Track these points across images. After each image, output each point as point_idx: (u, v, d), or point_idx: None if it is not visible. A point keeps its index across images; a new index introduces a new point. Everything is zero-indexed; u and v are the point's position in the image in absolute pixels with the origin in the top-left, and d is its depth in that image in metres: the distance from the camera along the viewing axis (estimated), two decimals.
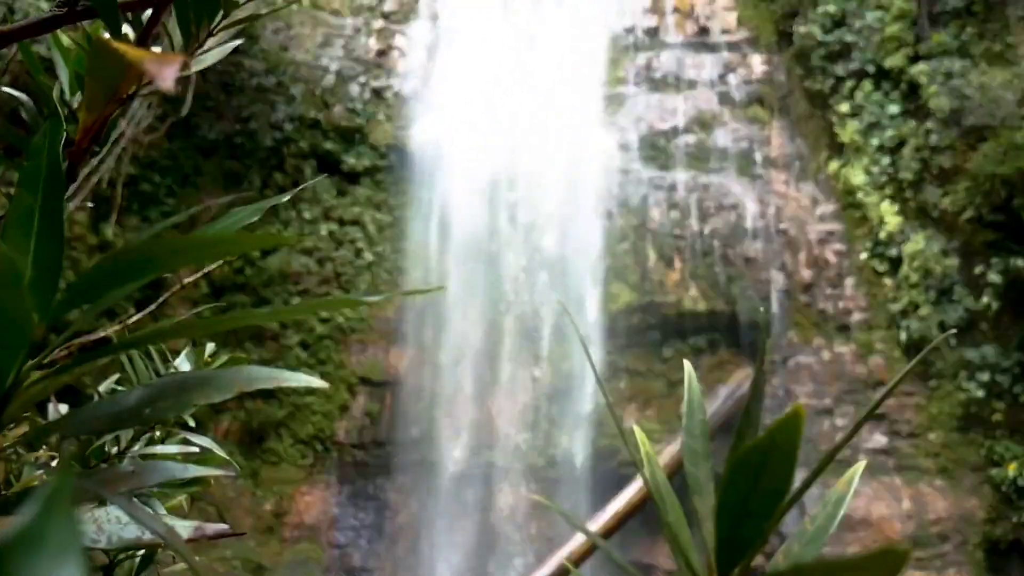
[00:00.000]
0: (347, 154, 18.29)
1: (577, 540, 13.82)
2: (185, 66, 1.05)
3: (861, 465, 0.92)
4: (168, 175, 16.92)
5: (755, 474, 0.70)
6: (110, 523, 0.63)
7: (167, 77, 0.52)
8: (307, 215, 17.79)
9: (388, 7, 20.72)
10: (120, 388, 1.34)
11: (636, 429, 0.91)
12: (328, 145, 18.22)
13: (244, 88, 18.10)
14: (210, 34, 1.05)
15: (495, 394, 16.70)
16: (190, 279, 1.82)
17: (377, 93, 19.10)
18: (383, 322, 17.30)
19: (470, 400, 16.70)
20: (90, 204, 14.95)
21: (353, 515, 16.41)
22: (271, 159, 17.84)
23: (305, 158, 18.11)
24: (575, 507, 15.89)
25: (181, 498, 1.55)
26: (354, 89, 18.90)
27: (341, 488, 16.53)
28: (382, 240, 17.92)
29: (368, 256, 17.70)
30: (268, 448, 16.36)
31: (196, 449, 1.34)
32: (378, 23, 20.20)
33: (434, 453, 16.41)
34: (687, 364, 0.90)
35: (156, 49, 1.04)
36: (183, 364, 1.39)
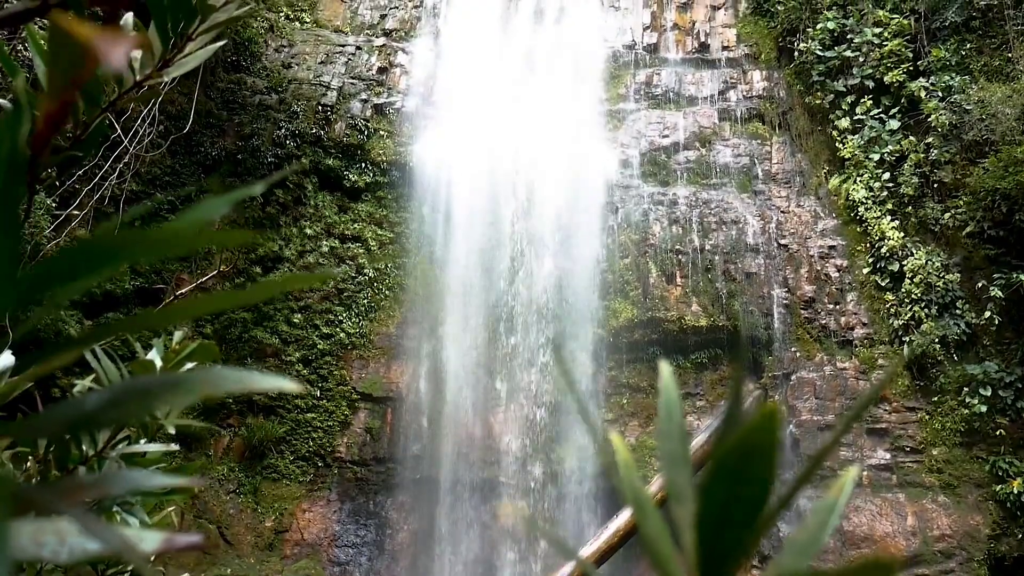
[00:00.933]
0: (349, 170, 18.34)
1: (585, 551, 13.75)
2: (165, 68, 1.05)
3: (854, 471, 0.88)
4: (170, 191, 16.96)
5: (734, 479, 0.67)
6: (73, 534, 0.61)
7: (116, 56, 0.51)
8: (309, 231, 17.81)
9: (390, 25, 20.83)
10: (96, 387, 1.32)
11: (614, 437, 0.88)
12: (330, 161, 18.27)
13: (246, 105, 18.17)
14: (188, 38, 1.04)
15: (496, 410, 16.65)
16: (184, 290, 1.81)
17: (379, 110, 19.18)
18: (384, 338, 17.28)
19: (471, 416, 16.65)
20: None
21: (354, 532, 16.33)
22: (273, 175, 17.86)
23: (306, 174, 18.15)
24: (580, 523, 15.82)
25: (170, 510, 1.52)
26: (356, 106, 18.98)
27: (342, 505, 16.46)
28: (383, 256, 17.93)
29: (369, 272, 17.71)
30: (269, 464, 16.31)
31: (175, 447, 1.32)
32: (380, 41, 20.30)
33: (435, 470, 16.34)
34: (663, 364, 0.86)
35: (136, 54, 1.03)
36: (155, 357, 1.35)
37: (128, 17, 1.15)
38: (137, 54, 1.04)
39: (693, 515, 0.71)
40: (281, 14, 19.98)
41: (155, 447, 1.28)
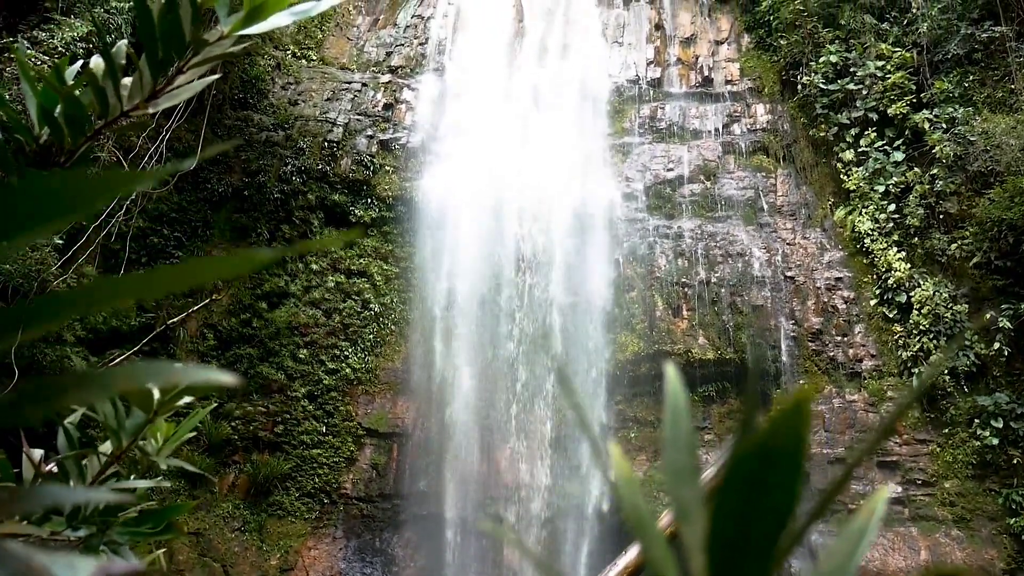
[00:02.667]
0: (355, 206, 18.41)
1: None
2: (154, 100, 1.04)
3: (884, 491, 0.77)
4: (177, 228, 17.04)
5: (753, 489, 0.58)
6: None
7: None
8: (315, 266, 17.85)
9: (396, 62, 21.04)
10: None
11: (613, 448, 0.79)
12: (336, 197, 18.36)
13: (253, 142, 18.31)
14: (180, 71, 1.03)
15: (503, 445, 16.53)
16: (175, 320, 1.78)
17: (384, 145, 19.30)
18: (390, 373, 17.22)
19: (477, 452, 16.53)
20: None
21: (360, 570, 16.13)
22: (279, 211, 17.96)
23: (312, 210, 18.23)
24: (588, 557, 15.61)
25: (160, 553, 1.48)
26: (361, 142, 19.11)
27: (348, 542, 16.28)
28: (389, 291, 17.94)
29: (375, 307, 17.70)
30: (274, 501, 16.17)
31: (164, 484, 1.28)
32: (386, 77, 20.49)
33: (441, 506, 16.19)
34: (669, 367, 0.78)
35: (126, 81, 1.02)
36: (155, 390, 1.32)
37: (122, 45, 1.14)
38: (127, 82, 1.03)
39: (703, 535, 0.61)
40: (288, 52, 20.20)
41: (143, 483, 1.25)
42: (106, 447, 1.36)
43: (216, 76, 1.17)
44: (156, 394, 1.39)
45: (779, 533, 0.58)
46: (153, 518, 1.27)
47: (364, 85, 20.17)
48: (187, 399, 1.40)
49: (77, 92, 1.05)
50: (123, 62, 1.12)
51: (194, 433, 1.54)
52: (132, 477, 1.25)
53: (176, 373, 0.55)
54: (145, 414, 1.37)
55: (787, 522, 0.58)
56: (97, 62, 1.09)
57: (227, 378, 0.57)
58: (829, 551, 0.68)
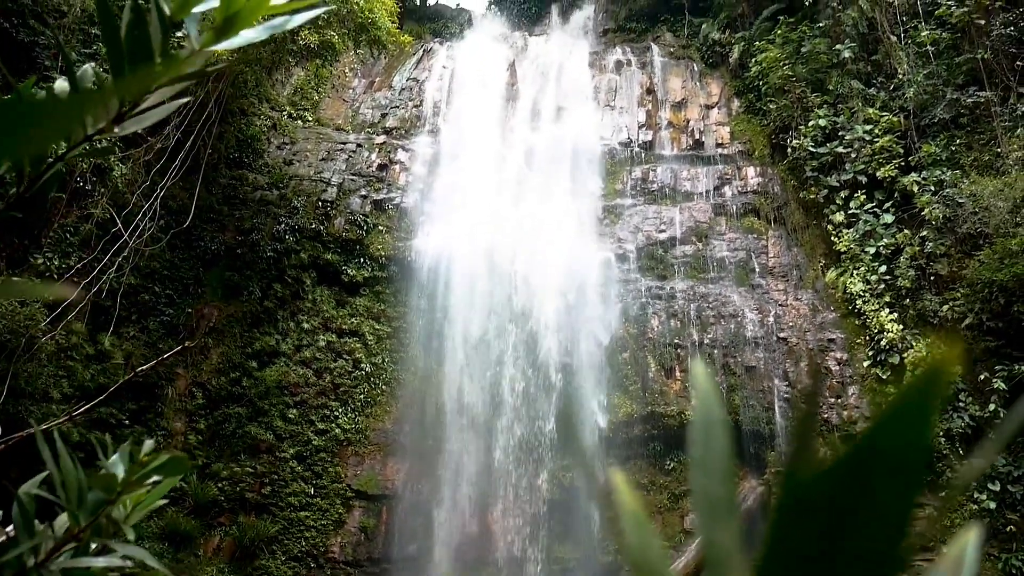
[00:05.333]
0: (347, 265, 18.42)
1: None
2: (120, 123, 1.00)
3: (975, 530, 0.58)
4: (168, 285, 16.98)
5: (840, 516, 0.40)
6: None
7: None
8: (306, 325, 17.77)
9: (390, 123, 21.29)
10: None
11: (616, 475, 0.64)
12: (329, 256, 18.37)
13: (247, 201, 18.38)
14: (147, 90, 1.00)
15: (495, 508, 16.25)
16: (143, 368, 1.72)
17: (378, 205, 19.40)
18: (380, 434, 17.02)
19: (468, 515, 16.24)
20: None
21: None
22: (271, 269, 17.95)
23: (305, 268, 18.22)
24: None
25: None
26: (355, 201, 19.21)
27: None
28: (380, 350, 17.83)
29: (366, 367, 17.57)
30: (260, 565, 15.79)
31: (124, 563, 1.18)
32: (380, 138, 20.71)
33: (432, 571, 15.83)
34: (696, 363, 0.60)
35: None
36: (118, 468, 1.20)
37: (88, 68, 1.11)
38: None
39: None
40: (284, 112, 20.44)
41: (102, 561, 1.16)
42: (62, 520, 1.27)
43: (186, 99, 1.14)
44: (120, 473, 1.30)
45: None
46: None
47: (359, 146, 20.37)
48: (155, 478, 1.31)
49: None
50: (89, 84, 1.09)
51: (164, 501, 1.45)
52: (95, 547, 1.16)
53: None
54: (107, 495, 1.27)
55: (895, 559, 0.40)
56: (61, 85, 1.06)
57: (59, 289, 0.53)
58: None
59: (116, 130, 1.03)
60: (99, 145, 1.09)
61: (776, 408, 16.43)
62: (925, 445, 0.41)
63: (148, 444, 1.32)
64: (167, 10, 1.00)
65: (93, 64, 1.06)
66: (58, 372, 14.37)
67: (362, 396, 17.31)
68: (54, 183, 1.10)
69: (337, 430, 16.87)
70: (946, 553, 0.56)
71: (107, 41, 0.98)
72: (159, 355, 16.40)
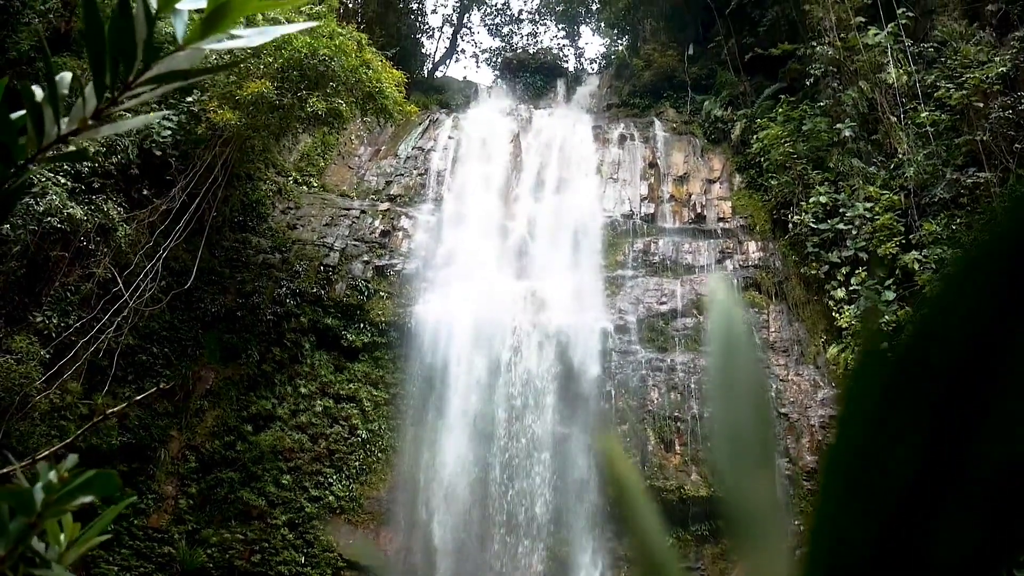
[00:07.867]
0: (347, 330, 18.36)
1: None
2: (97, 124, 0.96)
3: None
4: (167, 346, 16.88)
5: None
6: None
7: None
8: (303, 390, 17.62)
9: (395, 191, 21.49)
10: None
11: (608, 440, 0.59)
12: (328, 320, 18.32)
13: (250, 264, 18.43)
14: (127, 87, 0.95)
15: None
16: (117, 409, 1.66)
17: (380, 271, 19.44)
18: (374, 502, 16.71)
19: None
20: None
21: None
22: (271, 333, 17.88)
23: (304, 333, 18.15)
24: None
25: None
26: (357, 267, 19.25)
27: None
28: (377, 417, 17.64)
29: (362, 433, 17.37)
30: None
31: None
32: (384, 205, 20.87)
33: None
34: (713, 278, 0.52)
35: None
36: (37, 487, 1.08)
37: (66, 76, 1.07)
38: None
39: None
40: (290, 178, 20.66)
41: None
42: None
43: (163, 114, 1.11)
44: (40, 494, 1.16)
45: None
46: None
47: (363, 212, 20.52)
48: (86, 499, 1.17)
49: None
50: (65, 91, 1.05)
51: (107, 537, 1.33)
52: None
53: None
54: (27, 517, 1.14)
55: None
56: (37, 88, 1.02)
57: None
58: None
59: (90, 133, 0.99)
60: (71, 149, 1.05)
61: (776, 485, 16.14)
62: None
63: (72, 458, 1.21)
64: (153, 3, 0.97)
65: (69, 75, 1.02)
66: (50, 431, 14.20)
67: (357, 463, 17.06)
68: (21, 192, 1.05)
69: (331, 497, 16.58)
70: None
71: (88, 31, 0.95)
72: (154, 416, 16.24)
